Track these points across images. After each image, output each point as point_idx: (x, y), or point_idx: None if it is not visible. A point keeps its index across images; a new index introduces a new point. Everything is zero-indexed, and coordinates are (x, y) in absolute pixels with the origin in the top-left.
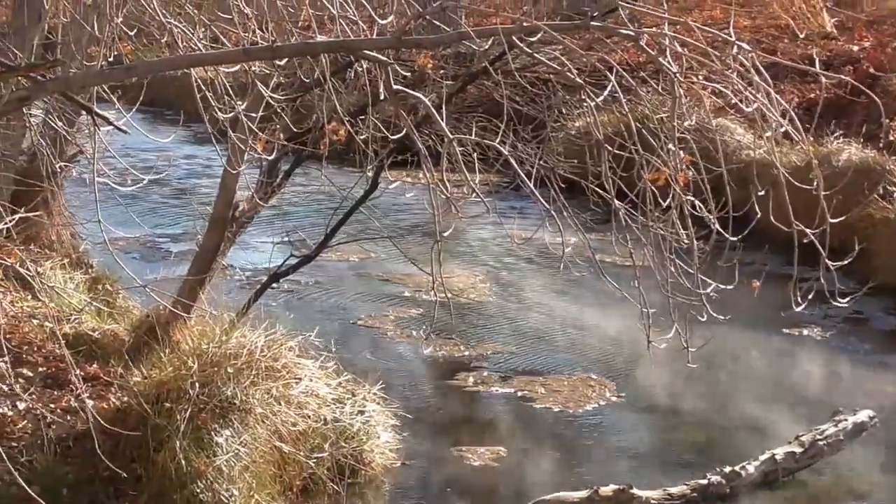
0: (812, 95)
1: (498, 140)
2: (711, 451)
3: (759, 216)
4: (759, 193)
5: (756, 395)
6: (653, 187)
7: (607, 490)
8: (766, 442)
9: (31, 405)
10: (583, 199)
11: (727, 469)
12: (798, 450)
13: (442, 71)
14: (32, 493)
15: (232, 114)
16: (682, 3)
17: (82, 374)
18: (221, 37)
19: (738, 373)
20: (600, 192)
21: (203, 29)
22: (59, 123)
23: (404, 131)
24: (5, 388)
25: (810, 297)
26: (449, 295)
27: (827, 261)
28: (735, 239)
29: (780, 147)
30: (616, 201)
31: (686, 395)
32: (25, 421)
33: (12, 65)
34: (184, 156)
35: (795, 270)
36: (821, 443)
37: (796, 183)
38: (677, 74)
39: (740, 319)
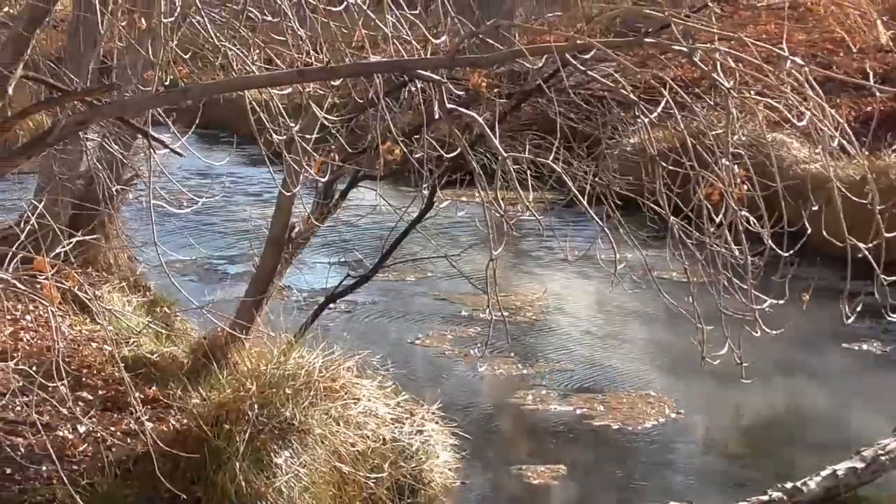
0: (868, 109)
1: (552, 157)
2: (772, 466)
3: (813, 231)
4: (814, 208)
5: (816, 410)
6: (707, 203)
7: None
8: (827, 457)
9: (91, 428)
10: (638, 215)
11: (788, 485)
12: (860, 465)
13: (496, 89)
14: None
15: (287, 135)
16: (736, 19)
17: (141, 396)
18: (276, 59)
19: (797, 388)
20: (655, 208)
21: (257, 51)
22: (115, 147)
23: (458, 150)
24: (65, 411)
25: (858, 310)
26: (505, 313)
27: (882, 276)
28: (789, 254)
29: (837, 161)
30: (671, 217)
31: (746, 410)
32: (86, 444)
33: (69, 90)
34: (239, 178)
35: (848, 285)
36: (883, 458)
37: (852, 197)
38: (731, 90)
39: (798, 334)
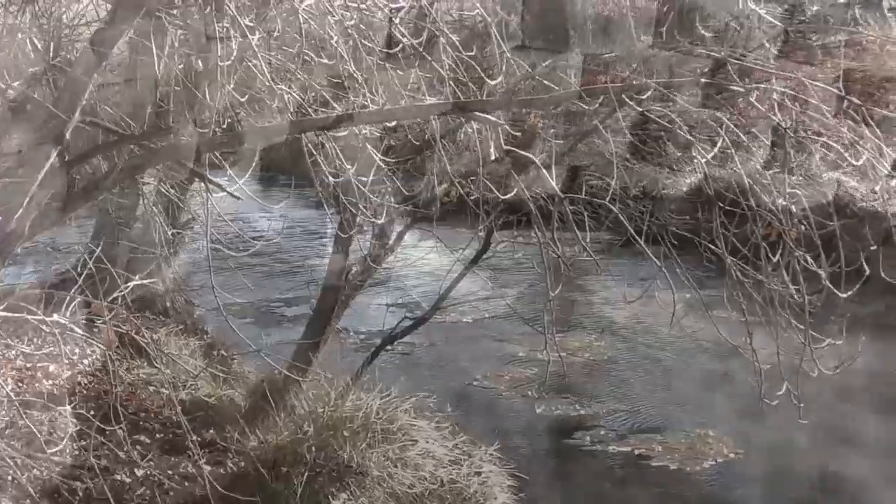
0: None
1: (609, 198)
2: None
3: (876, 268)
4: (872, 248)
5: (877, 449)
6: (764, 243)
7: None
8: (886, 497)
9: (148, 472)
10: (695, 254)
11: None
12: None
13: (552, 130)
14: None
15: (343, 178)
16: (793, 58)
17: (199, 439)
18: (331, 101)
19: (857, 426)
20: (712, 247)
21: (313, 94)
22: (172, 191)
23: (515, 191)
24: (123, 455)
25: None
26: (563, 354)
27: None
28: (846, 295)
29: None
30: (729, 257)
31: (804, 448)
32: (143, 487)
33: (125, 134)
34: (296, 220)
35: None
36: None
37: None
38: (788, 129)
39: (860, 371)
